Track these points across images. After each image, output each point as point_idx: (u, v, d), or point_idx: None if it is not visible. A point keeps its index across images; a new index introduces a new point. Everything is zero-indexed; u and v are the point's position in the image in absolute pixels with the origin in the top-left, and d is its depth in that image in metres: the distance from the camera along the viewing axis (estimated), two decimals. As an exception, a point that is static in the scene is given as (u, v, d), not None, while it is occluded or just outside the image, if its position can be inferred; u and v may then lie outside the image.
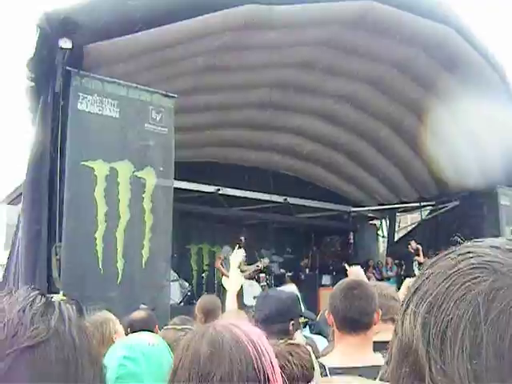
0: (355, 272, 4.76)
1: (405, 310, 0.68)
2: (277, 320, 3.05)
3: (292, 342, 1.97)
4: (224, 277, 11.84)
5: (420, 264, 13.53)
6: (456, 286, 0.62)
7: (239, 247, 11.95)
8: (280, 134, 13.45)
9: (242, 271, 11.68)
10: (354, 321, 2.69)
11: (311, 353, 1.98)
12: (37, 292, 0.84)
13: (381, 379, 3.56)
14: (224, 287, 11.60)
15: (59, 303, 0.84)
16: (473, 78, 11.11)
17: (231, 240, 12.18)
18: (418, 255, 13.90)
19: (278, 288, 3.36)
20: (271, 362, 1.43)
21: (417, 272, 10.52)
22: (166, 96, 8.69)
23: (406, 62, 11.28)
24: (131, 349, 1.95)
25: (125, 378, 1.86)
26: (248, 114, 12.74)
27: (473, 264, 0.64)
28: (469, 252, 0.67)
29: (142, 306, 6.32)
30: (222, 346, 1.40)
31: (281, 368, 1.73)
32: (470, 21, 10.98)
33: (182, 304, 12.27)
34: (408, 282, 6.68)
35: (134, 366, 1.88)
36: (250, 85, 11.51)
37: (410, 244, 14.55)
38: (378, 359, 2.75)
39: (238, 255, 5.14)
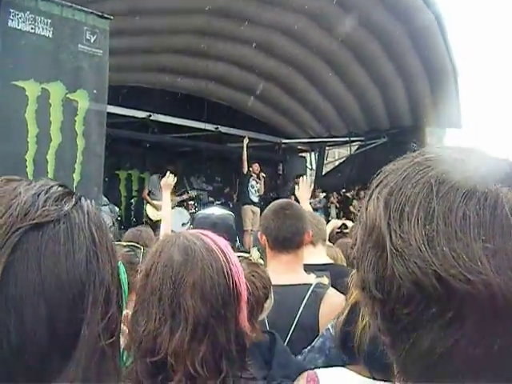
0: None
1: (368, 200, 0.81)
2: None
3: (251, 260, 2.07)
4: (149, 206, 11.89)
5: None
6: (413, 174, 0.76)
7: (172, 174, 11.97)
8: (216, 63, 13.29)
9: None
10: (286, 239, 2.79)
11: (267, 271, 2.09)
12: (57, 183, 0.89)
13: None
14: (149, 216, 11.71)
15: (80, 196, 0.88)
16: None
17: (161, 167, 12.09)
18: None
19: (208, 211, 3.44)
20: (238, 270, 1.53)
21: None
22: (102, 17, 8.41)
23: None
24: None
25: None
26: (184, 40, 12.50)
27: (427, 158, 0.78)
28: (425, 151, 0.82)
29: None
30: (194, 253, 1.50)
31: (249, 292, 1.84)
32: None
33: (112, 229, 12.22)
34: (334, 222, 6.93)
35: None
36: (188, 10, 11.25)
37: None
38: (309, 278, 2.88)
39: (170, 180, 5.20)
